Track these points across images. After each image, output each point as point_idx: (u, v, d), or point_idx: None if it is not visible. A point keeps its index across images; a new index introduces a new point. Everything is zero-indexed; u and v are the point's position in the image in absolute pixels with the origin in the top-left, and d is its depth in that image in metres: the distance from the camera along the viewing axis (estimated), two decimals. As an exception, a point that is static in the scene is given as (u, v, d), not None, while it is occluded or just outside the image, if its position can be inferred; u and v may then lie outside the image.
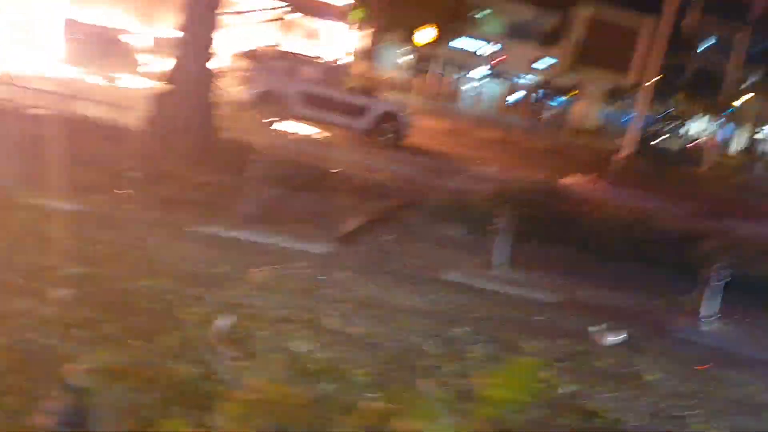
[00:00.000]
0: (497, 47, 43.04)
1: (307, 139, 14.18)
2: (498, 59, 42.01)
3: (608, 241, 9.10)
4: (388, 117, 16.47)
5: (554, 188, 10.23)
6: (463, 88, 42.66)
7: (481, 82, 44.89)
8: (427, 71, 42.07)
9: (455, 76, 43.62)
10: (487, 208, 8.71)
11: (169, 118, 8.62)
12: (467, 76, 44.27)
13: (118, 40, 17.00)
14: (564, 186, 13.09)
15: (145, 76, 16.00)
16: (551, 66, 43.63)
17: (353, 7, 30.59)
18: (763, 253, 9.52)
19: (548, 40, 45.21)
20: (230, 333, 4.89)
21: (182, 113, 8.58)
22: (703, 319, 7.48)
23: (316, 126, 16.13)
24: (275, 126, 15.08)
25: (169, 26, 18.01)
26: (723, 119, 48.33)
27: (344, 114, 15.87)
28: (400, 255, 7.68)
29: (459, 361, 5.35)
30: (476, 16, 39.02)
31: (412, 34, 36.29)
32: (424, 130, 23.47)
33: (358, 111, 16.13)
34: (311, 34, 19.75)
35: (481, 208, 9.02)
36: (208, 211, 7.53)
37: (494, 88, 45.21)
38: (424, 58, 41.68)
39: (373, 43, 30.12)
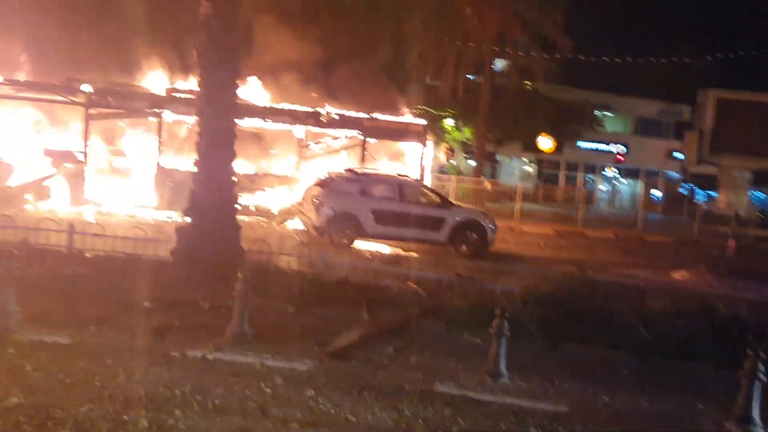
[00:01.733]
0: (626, 145, 41.71)
1: (377, 257, 14.16)
2: (625, 156, 40.59)
3: (652, 339, 8.04)
4: (467, 226, 16.19)
5: (592, 282, 9.31)
6: (595, 188, 41.23)
7: (614, 181, 43.27)
8: (551, 177, 41.35)
9: (584, 178, 42.44)
10: (514, 310, 8.10)
11: (190, 249, 9.01)
12: (597, 176, 42.94)
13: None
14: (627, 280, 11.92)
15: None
16: (687, 157, 41.40)
17: (460, 126, 31.21)
18: None
19: (680, 130, 43.22)
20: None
21: (200, 243, 8.95)
22: (742, 425, 6.27)
23: (393, 243, 16.16)
24: (351, 246, 15.30)
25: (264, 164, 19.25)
26: None
27: (421, 228, 15.80)
28: (395, 368, 7.22)
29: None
30: (599, 116, 38.27)
31: (529, 142, 36.16)
32: (528, 235, 22.79)
33: (435, 223, 16.02)
34: (391, 155, 20.26)
35: (508, 310, 8.37)
36: (204, 335, 7.60)
37: (629, 186, 43.35)
38: (548, 163, 41.15)
39: (480, 154, 30.12)
